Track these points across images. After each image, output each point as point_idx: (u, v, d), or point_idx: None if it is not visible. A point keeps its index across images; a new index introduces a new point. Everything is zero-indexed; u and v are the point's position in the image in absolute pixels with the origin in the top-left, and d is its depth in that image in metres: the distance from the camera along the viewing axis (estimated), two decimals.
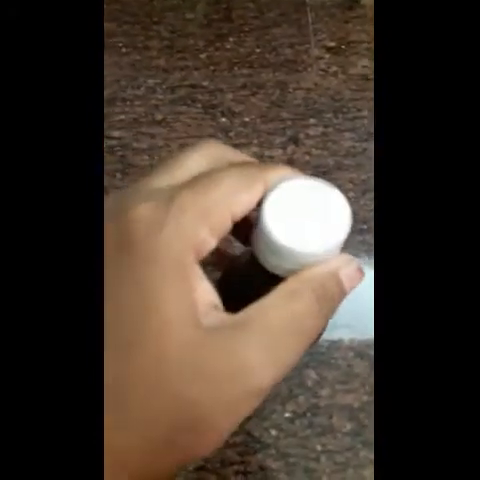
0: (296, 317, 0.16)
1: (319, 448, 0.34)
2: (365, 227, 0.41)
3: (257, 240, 0.19)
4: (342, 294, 0.18)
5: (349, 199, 0.43)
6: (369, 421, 0.34)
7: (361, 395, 0.35)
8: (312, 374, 0.35)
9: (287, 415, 0.34)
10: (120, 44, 0.49)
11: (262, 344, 0.15)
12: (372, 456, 0.34)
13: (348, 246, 0.41)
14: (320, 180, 0.19)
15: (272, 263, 0.18)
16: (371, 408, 0.35)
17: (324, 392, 0.35)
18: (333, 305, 0.18)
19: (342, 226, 0.19)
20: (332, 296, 0.18)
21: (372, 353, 0.36)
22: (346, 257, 0.19)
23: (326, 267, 0.18)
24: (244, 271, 0.22)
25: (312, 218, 0.18)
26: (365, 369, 0.36)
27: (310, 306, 0.17)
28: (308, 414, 0.34)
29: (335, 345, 0.36)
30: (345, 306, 0.38)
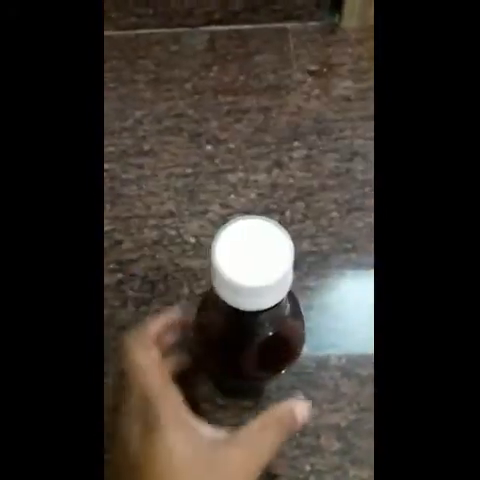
0: (266, 441, 0.24)
1: (308, 468, 0.34)
2: (350, 246, 0.42)
3: (214, 279, 0.20)
4: (296, 425, 0.25)
5: (333, 219, 0.44)
6: (357, 440, 0.35)
7: (348, 414, 0.35)
8: (299, 395, 0.36)
9: None
10: (107, 79, 0.51)
11: (246, 454, 0.24)
12: (361, 474, 0.34)
13: (333, 265, 0.41)
14: (265, 219, 0.20)
15: (228, 298, 0.20)
16: (358, 427, 0.35)
17: (312, 412, 0.35)
18: (289, 432, 0.25)
19: (285, 259, 0.20)
20: (289, 427, 0.25)
21: (359, 372, 0.37)
22: (297, 399, 0.27)
23: (286, 406, 0.25)
24: (215, 311, 0.24)
25: (258, 255, 0.19)
26: (352, 388, 0.36)
27: (274, 435, 0.25)
28: (296, 434, 0.35)
29: (322, 365, 0.37)
30: (331, 326, 0.39)
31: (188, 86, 0.51)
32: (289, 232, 0.42)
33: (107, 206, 0.43)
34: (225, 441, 0.24)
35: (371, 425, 0.35)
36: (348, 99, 0.50)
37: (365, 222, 0.43)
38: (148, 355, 0.25)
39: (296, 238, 0.43)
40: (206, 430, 0.24)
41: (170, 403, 0.23)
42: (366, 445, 0.35)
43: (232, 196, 0.44)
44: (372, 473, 0.34)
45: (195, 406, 0.25)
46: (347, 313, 0.39)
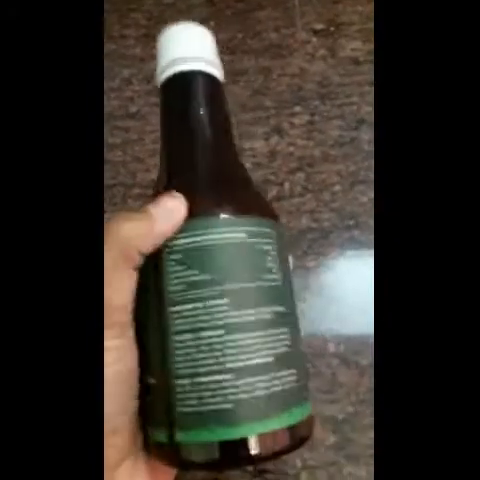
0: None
1: (299, 464, 0.31)
2: (352, 223, 0.38)
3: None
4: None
5: (335, 193, 0.40)
6: (354, 435, 0.32)
7: (346, 406, 0.33)
8: None
9: None
10: None
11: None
12: (356, 471, 0.31)
13: (334, 243, 0.38)
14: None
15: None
16: (356, 420, 0.32)
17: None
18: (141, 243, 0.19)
19: None
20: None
21: (359, 360, 0.34)
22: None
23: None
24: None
25: None
26: (351, 378, 0.33)
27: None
28: None
29: (318, 352, 0.34)
30: (330, 309, 0.36)
31: None
32: (288, 206, 0.38)
33: None
34: None
35: (370, 419, 0.32)
36: (356, 62, 0.46)
37: (370, 197, 0.39)
38: None
39: (295, 213, 0.39)
40: None
41: None
42: (364, 440, 0.32)
43: None
44: (368, 470, 0.31)
45: None
46: (348, 296, 0.36)
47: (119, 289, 0.19)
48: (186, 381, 0.18)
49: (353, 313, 0.35)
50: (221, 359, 0.18)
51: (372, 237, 0.38)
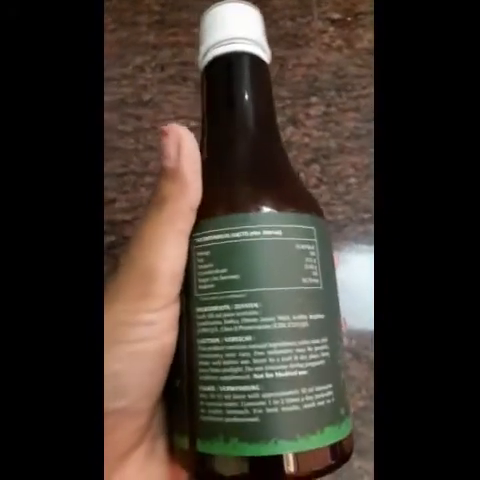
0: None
1: None
2: (367, 216, 0.38)
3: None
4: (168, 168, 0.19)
5: (350, 185, 0.39)
6: (365, 429, 0.31)
7: (357, 400, 0.32)
8: None
9: None
10: (107, 20, 0.46)
11: None
12: (367, 466, 0.31)
13: (348, 237, 0.37)
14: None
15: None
16: (367, 414, 0.32)
17: None
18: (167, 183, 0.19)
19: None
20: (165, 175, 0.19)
21: (370, 355, 0.33)
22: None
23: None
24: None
25: None
26: (362, 372, 0.33)
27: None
28: None
29: None
30: (342, 304, 0.35)
31: (196, 31, 0.46)
32: None
33: None
34: None
35: None
36: (373, 53, 0.45)
37: None
38: None
39: None
40: None
41: None
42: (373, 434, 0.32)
43: None
44: None
45: None
46: (360, 291, 0.36)
47: (168, 256, 0.18)
48: (210, 388, 0.17)
49: (365, 308, 0.35)
50: (248, 368, 0.17)
51: None
